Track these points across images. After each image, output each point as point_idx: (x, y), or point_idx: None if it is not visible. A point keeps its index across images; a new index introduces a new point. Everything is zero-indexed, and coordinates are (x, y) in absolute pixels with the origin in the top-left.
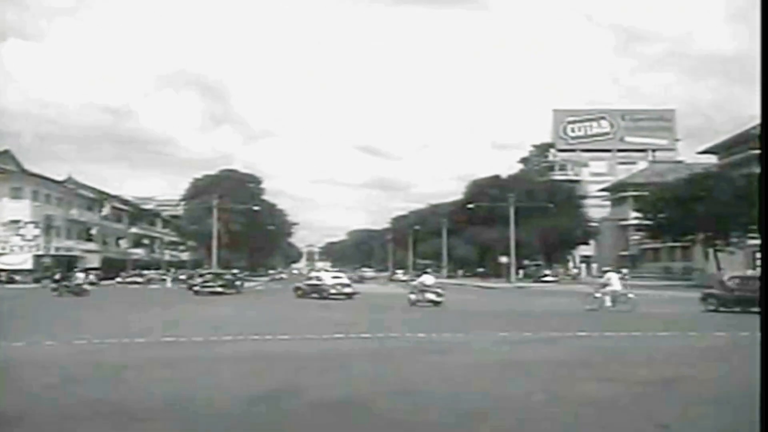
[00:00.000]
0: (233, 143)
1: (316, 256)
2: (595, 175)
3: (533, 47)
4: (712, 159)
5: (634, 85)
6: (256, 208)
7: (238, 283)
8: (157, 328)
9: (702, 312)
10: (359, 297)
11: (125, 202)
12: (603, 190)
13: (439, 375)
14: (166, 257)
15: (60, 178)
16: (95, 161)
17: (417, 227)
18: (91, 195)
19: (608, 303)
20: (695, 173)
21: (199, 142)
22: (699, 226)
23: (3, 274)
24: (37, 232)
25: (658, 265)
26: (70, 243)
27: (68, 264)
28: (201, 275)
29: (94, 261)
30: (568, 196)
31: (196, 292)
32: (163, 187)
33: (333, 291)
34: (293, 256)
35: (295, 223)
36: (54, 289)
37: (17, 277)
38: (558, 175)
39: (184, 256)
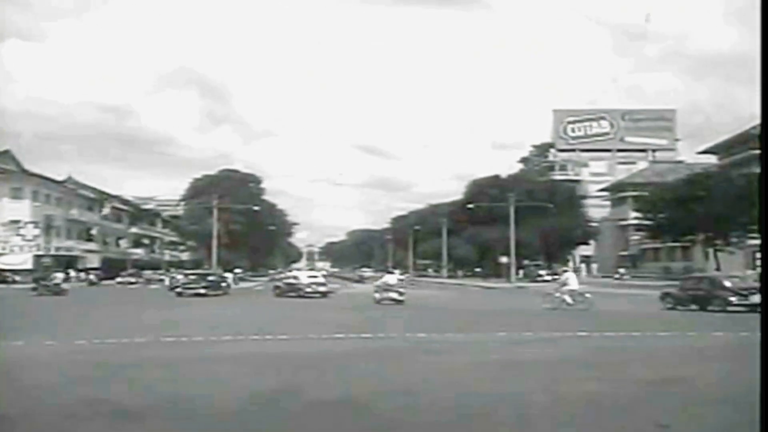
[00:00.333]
0: (233, 143)
1: (316, 256)
2: (595, 175)
3: (533, 47)
4: (712, 159)
5: (634, 84)
6: (256, 208)
7: (224, 284)
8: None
9: (660, 310)
10: (335, 296)
11: (125, 202)
12: (603, 190)
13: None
14: (166, 257)
15: (60, 178)
16: (95, 161)
17: (417, 227)
18: (91, 195)
19: (569, 301)
20: (695, 173)
21: (199, 141)
22: (699, 226)
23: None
24: (37, 232)
25: (658, 265)
26: (70, 243)
27: (68, 264)
28: (185, 275)
29: (95, 261)
30: (568, 196)
31: (179, 294)
32: (162, 186)
33: (308, 289)
34: (293, 256)
35: (295, 223)
36: (33, 289)
37: (17, 277)
38: (558, 175)
39: (184, 256)
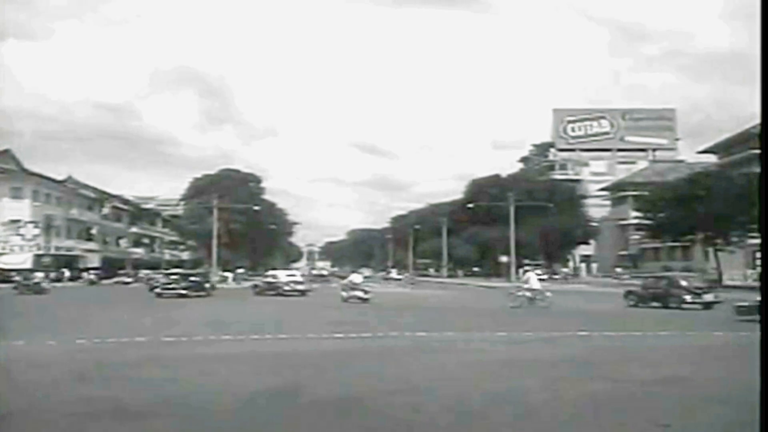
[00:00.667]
0: (234, 142)
1: (316, 256)
2: (595, 175)
3: (533, 47)
4: (713, 158)
5: (634, 84)
6: (256, 207)
7: (207, 285)
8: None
9: (624, 308)
10: (312, 294)
11: (125, 201)
12: (603, 189)
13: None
14: (166, 256)
15: (60, 178)
16: (95, 161)
17: (417, 227)
18: (92, 194)
19: (529, 299)
20: (695, 173)
21: (199, 141)
22: (699, 226)
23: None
24: (37, 231)
25: (658, 264)
26: (70, 242)
27: (68, 263)
28: (165, 275)
29: (95, 260)
30: (569, 196)
31: (159, 295)
32: (162, 186)
33: (287, 288)
34: (294, 255)
35: (296, 223)
36: (15, 288)
37: (17, 277)
38: (558, 175)
39: (185, 255)
